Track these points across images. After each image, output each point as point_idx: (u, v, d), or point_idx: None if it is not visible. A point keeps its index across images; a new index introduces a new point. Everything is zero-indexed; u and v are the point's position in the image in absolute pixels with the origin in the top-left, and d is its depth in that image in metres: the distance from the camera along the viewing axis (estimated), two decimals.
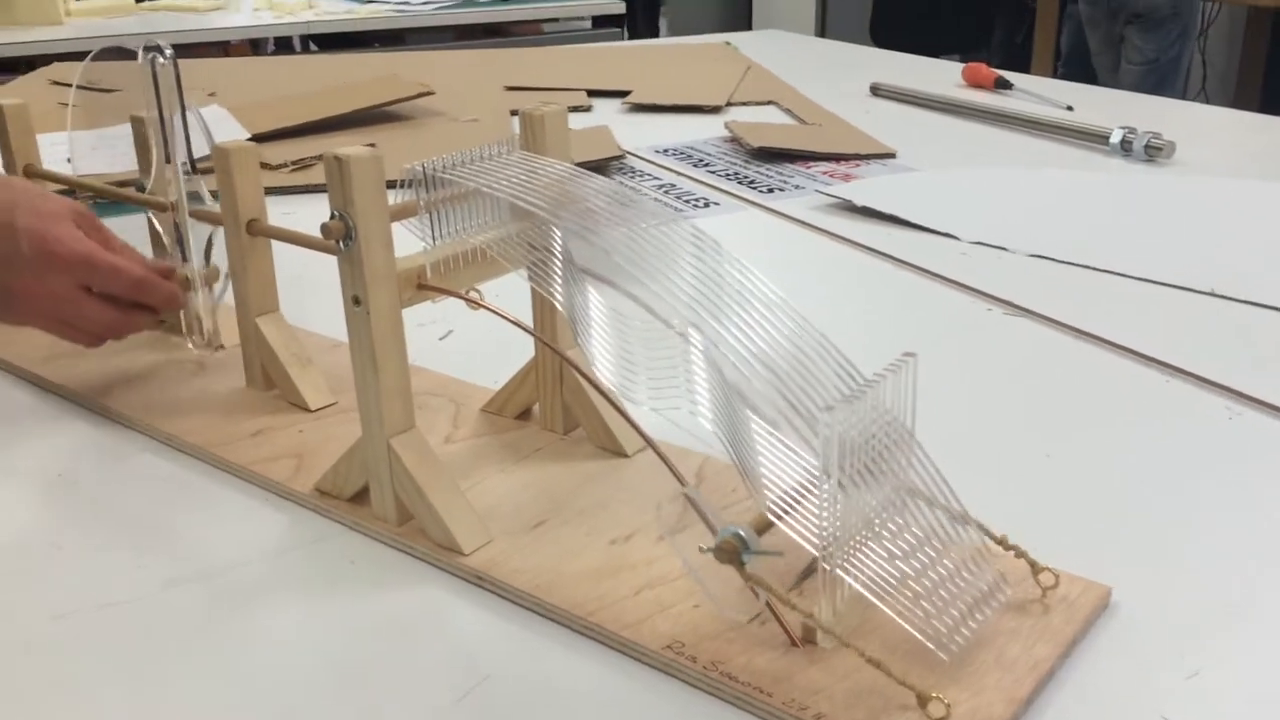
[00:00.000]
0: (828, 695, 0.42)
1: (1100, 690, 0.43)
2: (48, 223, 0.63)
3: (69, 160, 0.86)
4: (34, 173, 0.77)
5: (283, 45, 2.48)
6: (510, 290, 0.56)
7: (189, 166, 0.67)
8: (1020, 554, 0.47)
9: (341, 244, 0.49)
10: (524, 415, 0.63)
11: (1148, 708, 0.42)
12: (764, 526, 0.43)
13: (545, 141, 0.57)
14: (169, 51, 0.65)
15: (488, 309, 0.54)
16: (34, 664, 0.46)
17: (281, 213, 0.97)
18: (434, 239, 0.52)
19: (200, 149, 0.75)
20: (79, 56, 0.76)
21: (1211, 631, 0.46)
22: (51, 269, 0.62)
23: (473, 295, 0.54)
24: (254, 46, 2.46)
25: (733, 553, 0.42)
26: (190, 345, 0.71)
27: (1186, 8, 2.75)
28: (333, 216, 0.49)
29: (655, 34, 3.75)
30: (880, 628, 0.45)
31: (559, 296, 0.50)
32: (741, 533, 0.42)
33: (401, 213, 0.51)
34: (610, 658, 0.45)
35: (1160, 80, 2.75)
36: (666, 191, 1.08)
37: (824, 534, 0.42)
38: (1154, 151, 1.15)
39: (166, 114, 0.66)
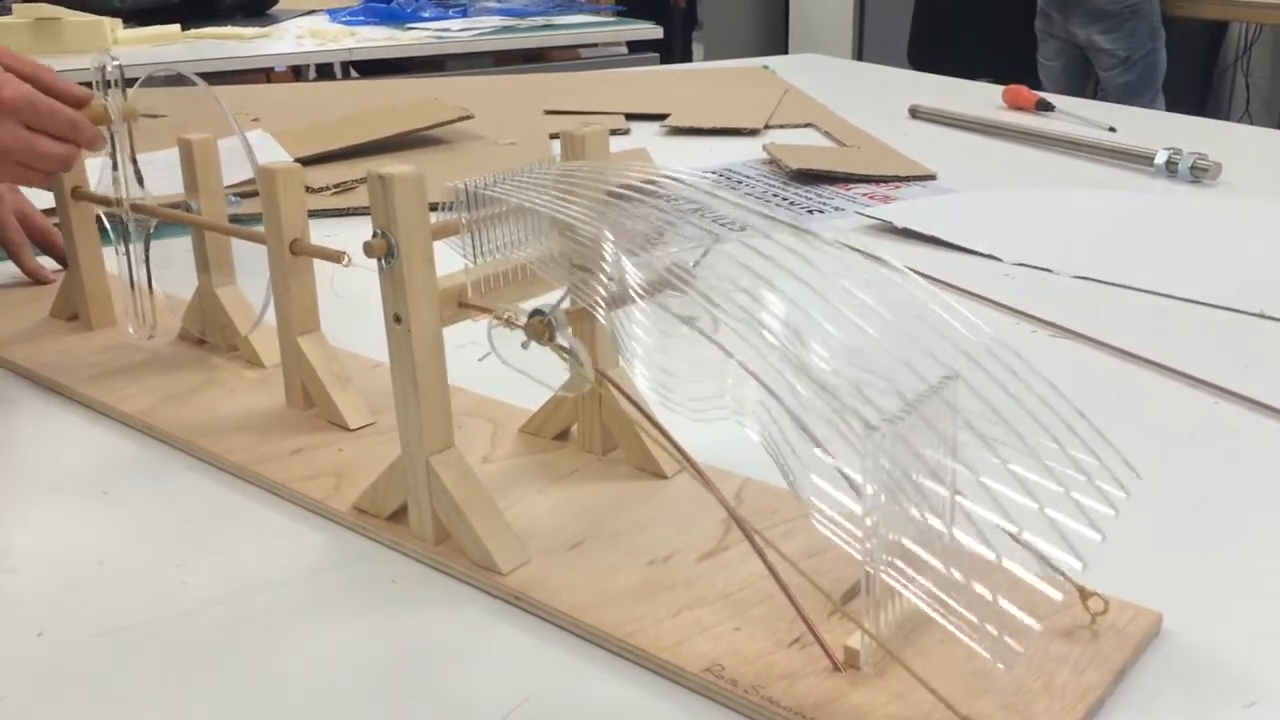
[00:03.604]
0: None
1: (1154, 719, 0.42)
2: None
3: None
4: (82, 195, 0.78)
5: (324, 72, 2.52)
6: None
7: (137, 172, 0.74)
8: (1068, 578, 0.46)
9: (384, 262, 0.49)
10: (562, 436, 0.63)
11: None
12: (576, 316, 0.46)
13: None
14: (116, 61, 0.71)
15: (525, 328, 0.54)
16: (78, 680, 0.46)
17: (324, 235, 0.98)
18: (475, 257, 0.52)
19: (245, 173, 0.76)
20: (127, 84, 0.78)
21: (1270, 660, 0.45)
22: (0, 117, 0.66)
23: (511, 314, 0.54)
24: (296, 73, 2.49)
25: (539, 328, 0.46)
26: (130, 330, 0.76)
27: (1146, 6, 2.71)
28: (375, 234, 0.49)
29: (689, 59, 3.76)
30: (924, 653, 0.44)
31: (600, 312, 0.50)
32: (544, 311, 0.46)
33: (443, 231, 0.52)
34: (649, 680, 0.45)
35: (1139, 78, 2.72)
36: (703, 215, 1.08)
37: (866, 540, 0.41)
38: (1200, 172, 1.13)
39: (115, 120, 0.72)
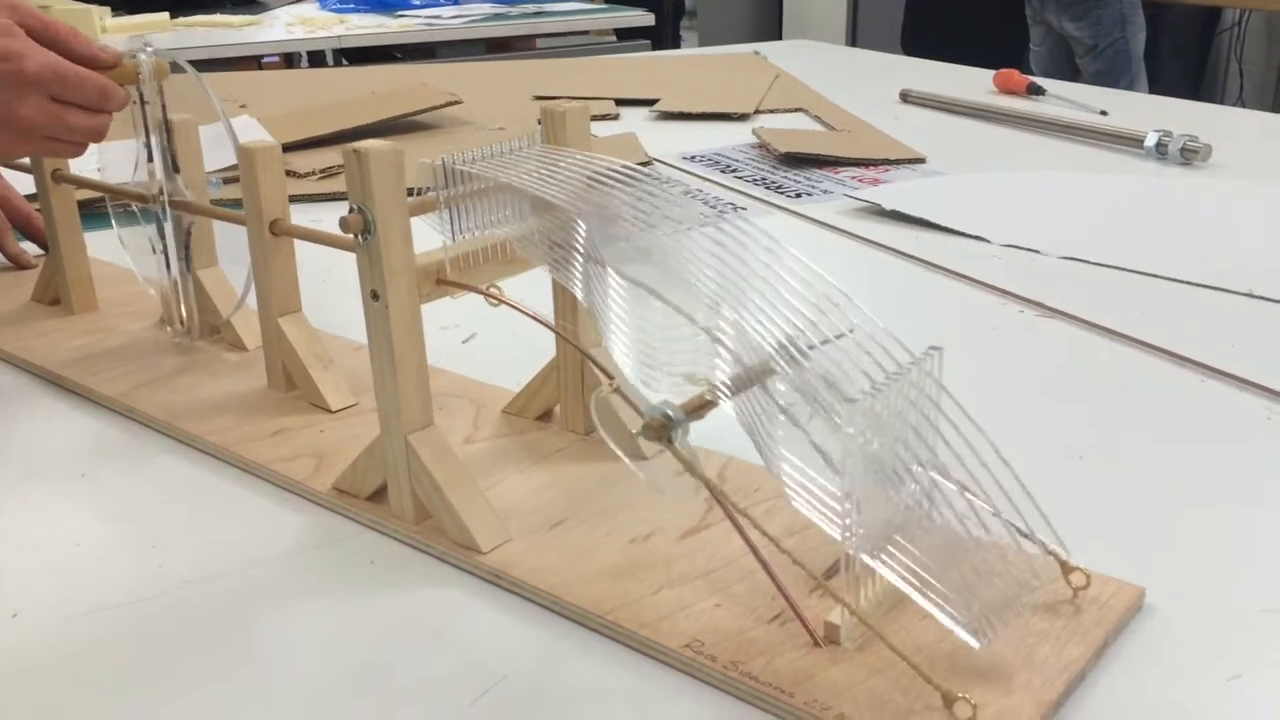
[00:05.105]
0: (850, 696, 0.40)
1: (1134, 693, 0.41)
2: (4, 39, 0.61)
3: (99, 170, 0.87)
4: (62, 177, 0.78)
5: (316, 61, 2.50)
6: (532, 289, 0.56)
7: (172, 164, 0.69)
8: (1051, 553, 0.46)
9: (360, 238, 0.49)
10: (545, 416, 0.62)
11: (1183, 712, 0.40)
12: (696, 407, 0.42)
13: (566, 139, 0.56)
14: (151, 48, 0.67)
15: (508, 304, 0.54)
16: (51, 662, 0.45)
17: (310, 220, 0.97)
18: (454, 234, 0.52)
19: (230, 159, 0.75)
20: None
21: (1252, 635, 0.45)
22: (23, 89, 0.61)
23: (493, 291, 0.54)
24: (288, 62, 2.48)
25: (660, 429, 0.41)
26: (169, 332, 0.72)
27: None
28: (351, 210, 0.48)
29: (677, 46, 3.74)
30: (905, 629, 0.44)
31: (579, 289, 0.49)
32: (669, 412, 0.41)
33: (421, 207, 0.51)
34: (628, 657, 0.44)
35: (1109, 66, 2.69)
36: (693, 198, 1.07)
37: (848, 526, 0.41)
38: (1190, 154, 1.13)
39: (149, 108, 0.68)
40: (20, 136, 0.64)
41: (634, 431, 0.42)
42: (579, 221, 0.49)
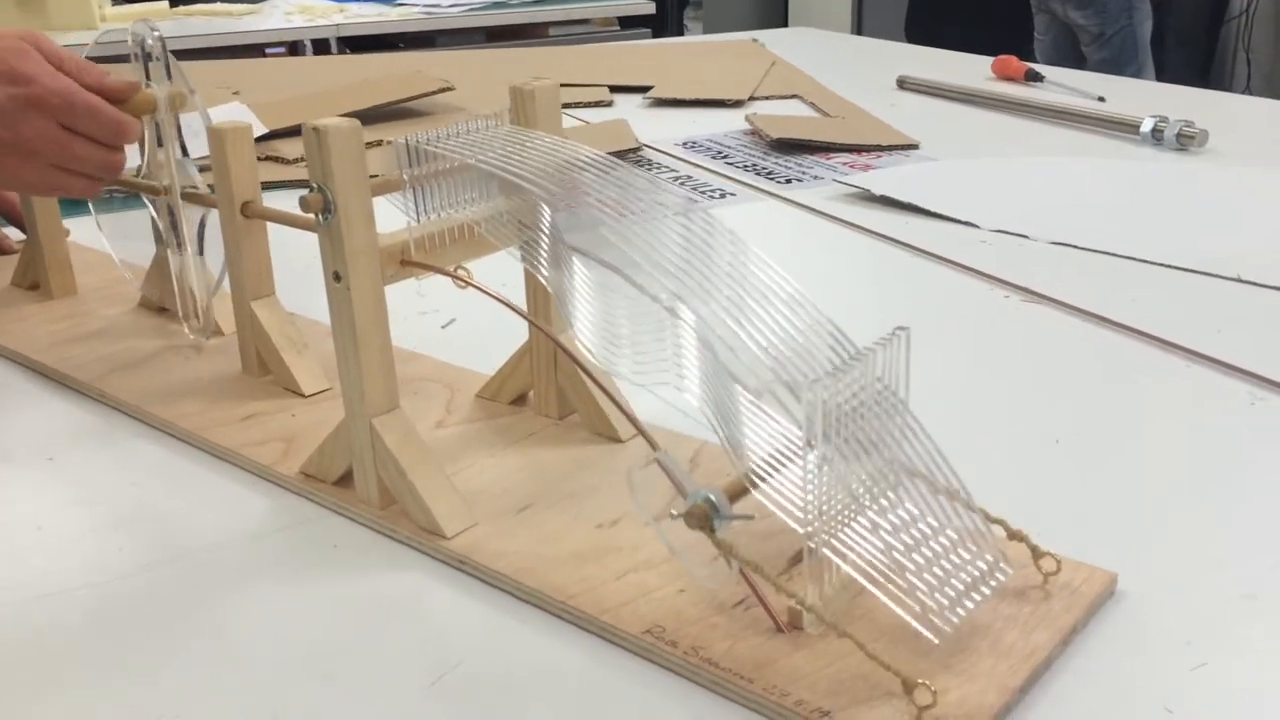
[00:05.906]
0: (810, 682, 0.40)
1: (1100, 680, 0.41)
2: (16, 60, 0.59)
3: None
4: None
5: (320, 52, 2.49)
6: (505, 273, 0.55)
7: (182, 152, 0.67)
8: (1021, 538, 0.45)
9: (321, 218, 0.48)
10: (519, 400, 0.62)
11: (1149, 698, 0.40)
12: (738, 492, 0.41)
13: (536, 118, 0.55)
14: (157, 32, 0.65)
15: (476, 287, 0.53)
16: (11, 644, 0.45)
17: (294, 206, 0.97)
18: (419, 215, 0.51)
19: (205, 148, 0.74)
20: (113, 60, 0.74)
21: (1222, 622, 0.44)
22: (29, 111, 0.60)
23: (460, 273, 0.53)
24: (292, 53, 2.47)
25: (703, 518, 0.40)
26: (186, 330, 0.71)
27: None
28: (311, 189, 0.48)
29: (680, 35, 3.73)
30: (870, 613, 0.43)
31: (545, 272, 0.49)
32: (713, 497, 0.40)
33: (384, 187, 0.50)
34: (589, 643, 0.44)
35: (1117, 54, 2.67)
36: (683, 183, 1.06)
37: (808, 509, 0.40)
38: (1186, 140, 1.12)
39: (162, 109, 0.66)
40: (24, 159, 0.61)
41: (674, 514, 0.41)
42: (544, 206, 0.48)
